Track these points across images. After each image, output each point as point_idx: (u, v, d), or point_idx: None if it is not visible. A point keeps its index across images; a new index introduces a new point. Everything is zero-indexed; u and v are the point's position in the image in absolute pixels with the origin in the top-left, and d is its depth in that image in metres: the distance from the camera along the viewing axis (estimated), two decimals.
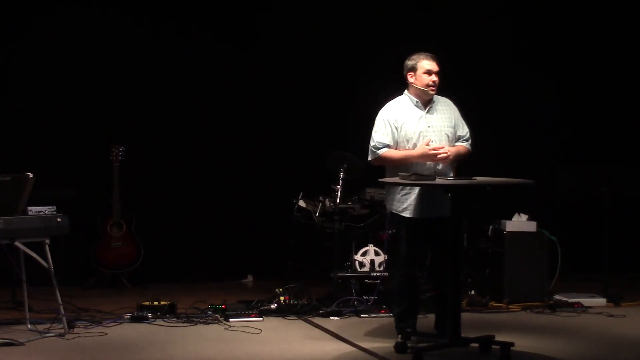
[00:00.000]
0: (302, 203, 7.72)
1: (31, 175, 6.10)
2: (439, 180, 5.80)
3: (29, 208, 6.18)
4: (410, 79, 6.14)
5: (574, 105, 9.30)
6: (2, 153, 8.01)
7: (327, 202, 7.53)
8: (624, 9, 9.34)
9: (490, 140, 8.17)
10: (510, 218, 7.75)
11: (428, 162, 6.02)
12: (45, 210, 6.25)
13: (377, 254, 7.59)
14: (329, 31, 8.83)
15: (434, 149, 5.97)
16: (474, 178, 5.86)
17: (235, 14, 8.77)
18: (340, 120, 8.61)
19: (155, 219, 8.59)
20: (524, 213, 7.78)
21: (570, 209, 8.87)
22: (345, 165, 7.51)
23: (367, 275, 7.49)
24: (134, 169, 8.42)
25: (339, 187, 7.43)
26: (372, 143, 6.14)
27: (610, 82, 9.35)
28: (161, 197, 8.63)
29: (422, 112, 6.13)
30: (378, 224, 7.62)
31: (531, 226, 7.68)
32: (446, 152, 5.99)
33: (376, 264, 7.56)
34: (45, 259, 6.21)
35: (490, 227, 7.84)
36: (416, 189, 5.99)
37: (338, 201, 7.39)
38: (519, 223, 7.71)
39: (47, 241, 6.21)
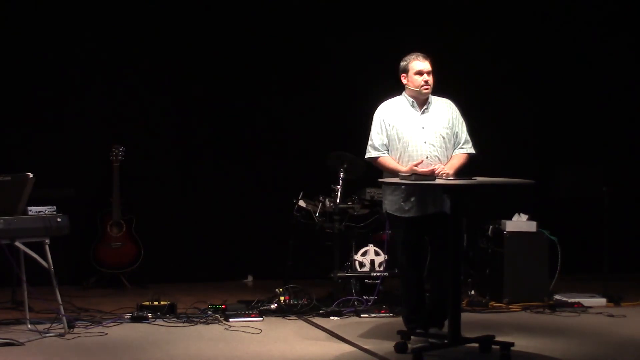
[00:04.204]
0: (302, 203, 7.71)
1: (31, 175, 6.09)
2: (439, 181, 5.80)
3: (29, 208, 6.17)
4: (404, 80, 6.16)
5: (574, 104, 9.30)
6: (2, 153, 8.01)
7: (327, 202, 7.53)
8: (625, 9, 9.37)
9: (490, 140, 8.16)
10: (510, 218, 7.75)
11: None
12: (45, 210, 6.24)
13: (377, 254, 7.59)
14: (330, 30, 8.83)
15: (421, 172, 5.90)
16: (474, 178, 5.86)
17: (235, 12, 8.76)
18: (340, 120, 8.61)
19: (155, 219, 8.59)
20: (524, 213, 7.78)
21: (570, 209, 8.86)
22: (345, 165, 7.51)
23: (367, 275, 7.49)
24: (134, 169, 8.43)
25: (339, 187, 7.43)
26: (370, 142, 6.17)
27: (610, 82, 9.34)
28: (161, 197, 8.64)
29: (417, 113, 6.13)
30: (378, 224, 7.62)
31: (531, 226, 7.68)
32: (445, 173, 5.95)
33: (376, 264, 7.56)
34: (45, 259, 6.21)
35: (490, 227, 7.84)
36: (405, 188, 6.00)
37: (338, 201, 7.40)
38: (519, 223, 7.71)
39: (47, 241, 6.21)
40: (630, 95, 9.39)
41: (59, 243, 6.55)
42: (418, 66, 6.09)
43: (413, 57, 6.12)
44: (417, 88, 6.09)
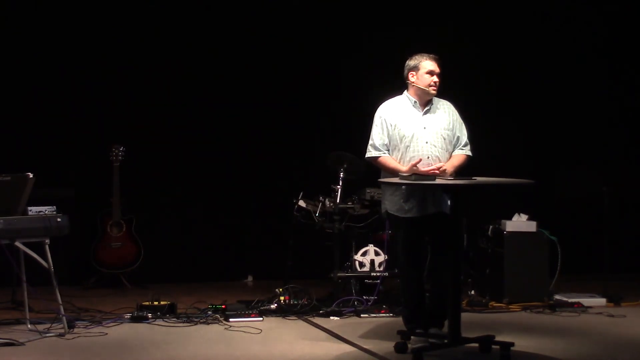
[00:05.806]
0: (302, 203, 7.71)
1: (31, 175, 6.10)
2: (439, 180, 5.80)
3: (29, 208, 6.17)
4: (412, 78, 6.14)
5: (574, 104, 9.30)
6: (2, 153, 8.01)
7: (327, 202, 7.53)
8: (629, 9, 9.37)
9: (490, 140, 8.16)
10: (510, 218, 7.75)
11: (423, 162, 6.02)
12: (45, 210, 6.24)
13: (377, 254, 7.59)
14: (330, 30, 8.84)
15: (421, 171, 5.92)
16: (474, 178, 5.86)
17: (235, 12, 8.76)
18: (340, 120, 8.62)
19: (155, 219, 8.60)
20: (524, 213, 7.78)
21: (570, 209, 8.87)
22: (345, 165, 7.51)
23: (367, 275, 7.49)
24: (134, 169, 8.42)
25: (339, 187, 7.43)
26: (370, 141, 6.17)
27: (610, 82, 9.34)
28: (161, 197, 8.65)
29: (419, 113, 6.14)
30: (378, 224, 7.62)
31: (531, 226, 7.68)
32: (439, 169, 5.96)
33: (376, 264, 7.56)
34: (45, 259, 6.20)
35: (490, 227, 7.84)
36: (406, 189, 6.00)
37: (338, 201, 7.39)
38: (519, 223, 7.71)
39: (47, 241, 6.21)
40: (630, 96, 9.38)
41: (59, 243, 6.55)
42: (430, 66, 6.10)
43: (425, 57, 6.13)
44: (425, 87, 6.10)
